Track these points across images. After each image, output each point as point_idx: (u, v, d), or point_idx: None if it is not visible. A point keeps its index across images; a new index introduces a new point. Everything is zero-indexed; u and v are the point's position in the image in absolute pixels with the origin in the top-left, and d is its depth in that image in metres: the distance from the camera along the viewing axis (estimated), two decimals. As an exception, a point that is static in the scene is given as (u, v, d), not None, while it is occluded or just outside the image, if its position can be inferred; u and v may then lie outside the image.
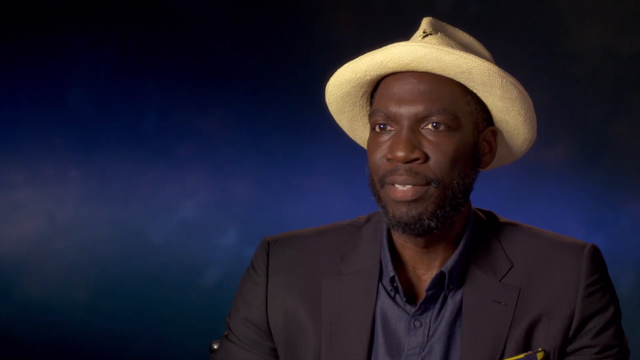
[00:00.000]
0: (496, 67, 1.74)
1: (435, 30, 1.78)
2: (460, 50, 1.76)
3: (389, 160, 1.74)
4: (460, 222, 1.81)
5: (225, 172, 4.60)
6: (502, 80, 1.74)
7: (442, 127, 1.73)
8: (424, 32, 1.78)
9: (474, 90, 1.76)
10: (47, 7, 4.63)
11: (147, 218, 4.63)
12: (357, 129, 1.89)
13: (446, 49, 1.73)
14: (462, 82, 1.75)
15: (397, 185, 1.73)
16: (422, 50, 1.72)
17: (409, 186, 1.73)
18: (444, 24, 1.82)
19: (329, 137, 4.40)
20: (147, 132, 4.64)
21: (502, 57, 1.94)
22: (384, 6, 4.53)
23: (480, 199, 1.94)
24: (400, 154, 1.72)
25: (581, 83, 4.37)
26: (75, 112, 4.64)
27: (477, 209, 1.87)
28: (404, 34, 1.84)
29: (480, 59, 1.73)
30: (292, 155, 4.58)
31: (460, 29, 1.84)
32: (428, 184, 1.72)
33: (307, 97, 4.18)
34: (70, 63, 4.64)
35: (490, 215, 1.88)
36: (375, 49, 1.78)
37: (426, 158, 1.73)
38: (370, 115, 1.77)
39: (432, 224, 1.73)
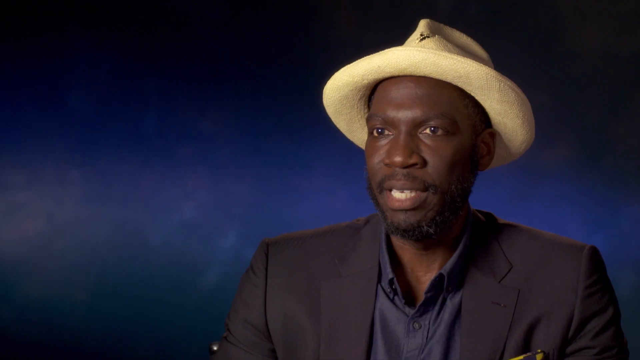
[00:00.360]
0: (494, 71, 1.74)
1: (432, 32, 1.78)
2: (458, 53, 1.76)
3: (386, 165, 1.74)
4: (459, 224, 1.81)
5: (225, 173, 4.60)
6: (499, 84, 1.74)
7: (440, 132, 1.73)
8: (421, 35, 1.78)
9: (472, 94, 1.76)
10: (47, 7, 4.63)
11: (147, 219, 4.63)
12: (354, 130, 1.89)
13: (444, 53, 1.72)
14: (459, 86, 1.75)
15: (394, 192, 1.73)
16: (420, 55, 1.72)
17: (407, 192, 1.73)
18: (442, 25, 1.81)
19: (329, 138, 4.40)
20: (147, 132, 4.64)
21: (501, 58, 1.94)
22: (384, 6, 4.53)
23: (480, 200, 1.94)
24: (398, 159, 1.72)
25: (581, 83, 4.37)
26: (75, 113, 4.64)
27: (476, 210, 1.87)
28: (404, 34, 1.84)
29: (478, 63, 1.73)
30: (292, 156, 4.57)
31: (460, 29, 1.84)
32: (426, 189, 1.72)
33: (307, 98, 4.17)
34: (70, 63, 4.64)
35: (489, 216, 1.88)
36: (375, 50, 1.77)
37: (424, 163, 1.73)
38: (368, 120, 1.77)
39: (431, 230, 1.73)
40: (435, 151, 1.73)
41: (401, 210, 1.72)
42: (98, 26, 4.63)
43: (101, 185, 4.63)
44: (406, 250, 1.80)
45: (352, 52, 1.87)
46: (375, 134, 1.76)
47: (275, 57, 4.60)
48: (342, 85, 1.81)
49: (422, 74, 1.74)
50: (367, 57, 1.77)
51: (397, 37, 1.85)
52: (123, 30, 4.64)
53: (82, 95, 4.65)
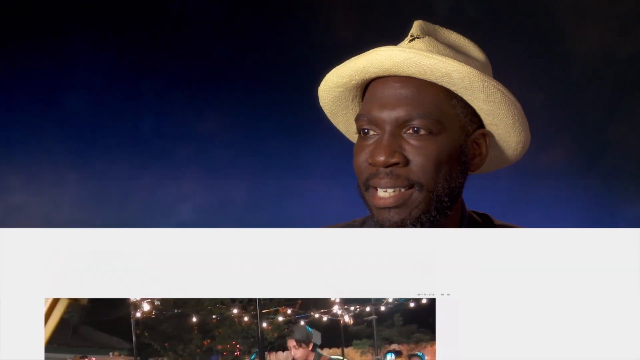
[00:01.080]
0: (476, 70, 1.73)
1: (423, 33, 1.78)
2: (448, 54, 1.75)
3: (370, 164, 1.74)
4: (454, 224, 1.80)
5: (223, 174, 4.60)
6: (483, 84, 1.73)
7: (422, 132, 1.73)
8: (411, 36, 1.78)
9: (459, 94, 1.75)
10: (46, 7, 4.62)
11: (144, 221, 4.62)
12: (352, 132, 1.89)
13: (425, 53, 1.72)
14: (445, 86, 1.74)
15: (378, 190, 1.73)
16: (401, 55, 1.72)
17: (391, 190, 1.73)
18: (437, 27, 1.81)
19: (327, 139, 4.39)
20: (145, 133, 4.63)
21: (500, 59, 1.93)
22: (383, 7, 4.52)
23: (479, 201, 1.93)
24: (380, 158, 1.72)
25: (580, 84, 4.36)
26: (73, 114, 4.63)
27: (472, 211, 1.86)
28: (403, 34, 1.84)
29: (460, 63, 1.72)
30: (290, 157, 4.57)
31: (459, 29, 1.84)
32: (411, 186, 1.72)
33: (307, 98, 4.15)
34: (68, 64, 4.64)
35: (485, 217, 1.88)
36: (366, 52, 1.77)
37: (406, 162, 1.73)
38: (356, 120, 1.77)
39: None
40: (418, 150, 1.73)
41: (385, 208, 1.72)
42: (96, 27, 4.63)
43: (98, 187, 4.62)
44: (401, 252, 1.79)
45: (352, 52, 1.86)
46: (362, 134, 1.76)
47: (274, 58, 4.60)
48: (332, 86, 1.81)
49: (404, 74, 1.74)
50: (354, 57, 1.77)
51: (397, 37, 1.84)
52: (121, 31, 4.63)
53: (80, 96, 4.65)
